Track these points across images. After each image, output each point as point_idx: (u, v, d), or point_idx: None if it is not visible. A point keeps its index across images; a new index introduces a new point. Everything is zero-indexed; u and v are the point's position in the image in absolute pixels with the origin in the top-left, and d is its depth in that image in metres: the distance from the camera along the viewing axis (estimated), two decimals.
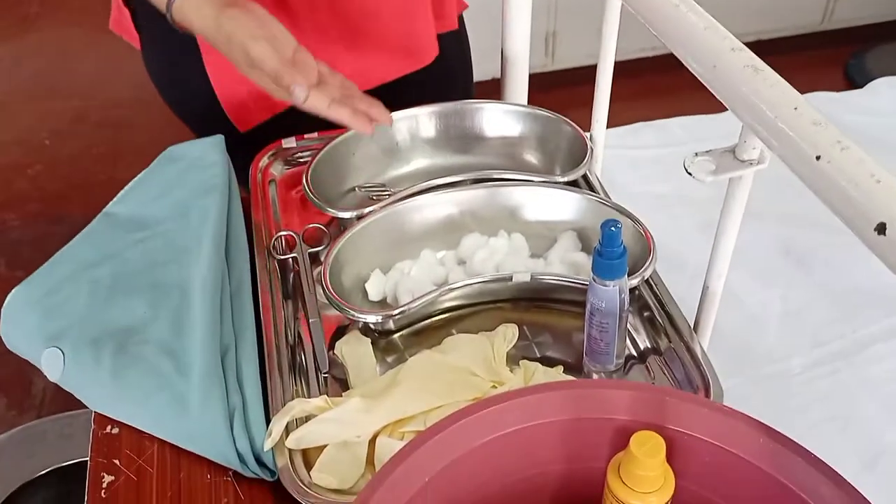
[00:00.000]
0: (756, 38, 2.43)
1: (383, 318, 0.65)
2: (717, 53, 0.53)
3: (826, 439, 0.72)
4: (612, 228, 0.57)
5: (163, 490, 0.57)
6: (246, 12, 0.65)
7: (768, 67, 0.51)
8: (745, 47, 0.53)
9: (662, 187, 1.00)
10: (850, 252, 0.87)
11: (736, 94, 0.51)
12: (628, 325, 0.69)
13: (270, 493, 0.57)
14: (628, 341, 0.68)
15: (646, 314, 0.70)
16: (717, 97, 0.53)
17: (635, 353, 0.68)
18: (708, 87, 0.54)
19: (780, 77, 0.51)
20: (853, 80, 2.29)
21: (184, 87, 0.86)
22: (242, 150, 0.83)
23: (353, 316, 0.64)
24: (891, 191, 0.42)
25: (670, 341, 0.67)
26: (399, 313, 0.64)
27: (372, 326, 0.68)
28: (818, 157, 0.45)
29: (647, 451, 0.46)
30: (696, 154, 0.55)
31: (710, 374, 0.62)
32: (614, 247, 0.57)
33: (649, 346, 0.68)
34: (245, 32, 0.64)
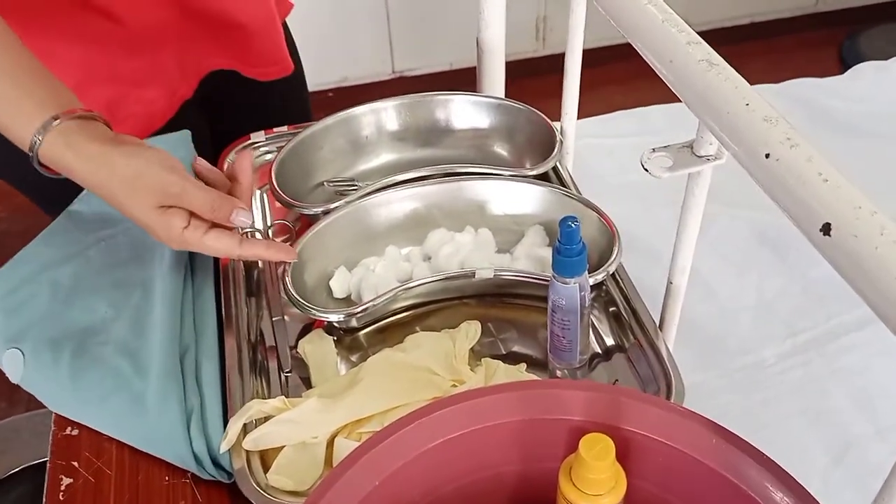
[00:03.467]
0: (750, 21, 2.41)
1: (345, 316, 0.64)
2: (674, 47, 0.52)
3: (796, 432, 0.71)
4: (571, 225, 0.56)
5: (120, 492, 0.57)
6: (145, 147, 0.58)
7: (724, 61, 0.50)
8: (701, 41, 0.52)
9: (640, 177, 0.98)
10: None
11: (691, 89, 0.50)
12: (594, 321, 0.69)
13: (228, 495, 0.57)
14: (594, 338, 0.68)
15: (611, 310, 0.70)
16: (674, 91, 0.53)
17: (600, 350, 0.67)
18: (664, 80, 0.53)
19: (734, 72, 0.50)
20: (847, 62, 2.27)
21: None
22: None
23: (314, 315, 0.63)
24: (837, 190, 0.41)
25: (635, 338, 0.66)
26: (361, 311, 0.64)
27: (335, 325, 0.67)
28: (767, 155, 0.44)
29: (596, 454, 0.46)
30: (654, 150, 0.54)
31: (673, 372, 0.61)
32: (573, 244, 0.56)
33: (615, 342, 0.68)
34: (158, 166, 0.56)
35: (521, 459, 0.52)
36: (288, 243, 0.73)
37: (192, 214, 0.58)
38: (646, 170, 0.54)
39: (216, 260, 0.71)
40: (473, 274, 0.65)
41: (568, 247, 0.56)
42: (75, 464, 0.59)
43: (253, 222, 0.62)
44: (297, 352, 0.66)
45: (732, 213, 0.93)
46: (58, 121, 0.56)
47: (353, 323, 0.67)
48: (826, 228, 0.40)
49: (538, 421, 0.51)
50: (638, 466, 0.50)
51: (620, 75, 2.05)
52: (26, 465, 0.93)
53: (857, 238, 0.39)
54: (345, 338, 0.68)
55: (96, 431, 0.60)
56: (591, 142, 1.03)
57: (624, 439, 0.49)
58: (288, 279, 0.65)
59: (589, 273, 0.60)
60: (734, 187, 0.94)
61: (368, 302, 0.64)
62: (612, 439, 0.46)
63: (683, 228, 0.60)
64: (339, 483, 0.47)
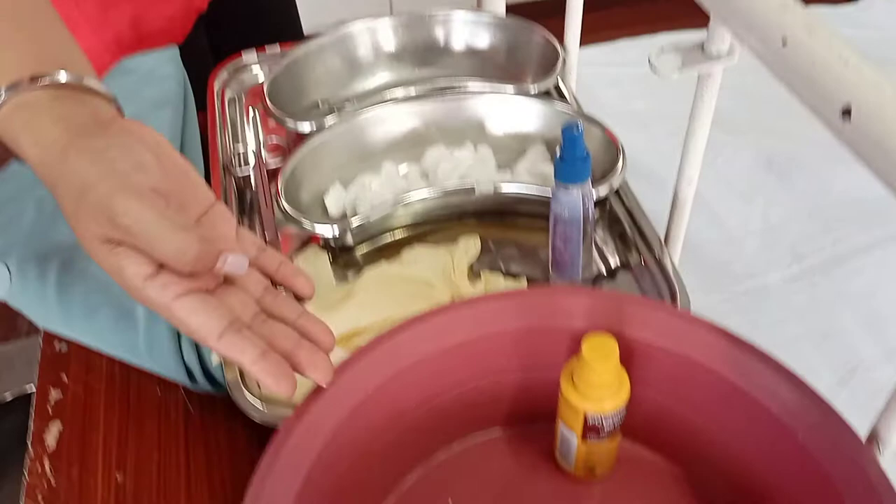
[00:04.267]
0: None
1: (340, 229, 0.62)
2: None
3: (802, 355, 0.70)
4: (574, 130, 0.54)
5: (111, 406, 0.56)
6: (116, 144, 0.40)
7: None
8: None
9: (643, 105, 0.96)
10: (832, 165, 0.84)
11: None
12: (598, 241, 0.67)
13: (221, 408, 0.56)
14: (599, 259, 0.66)
15: (616, 229, 0.68)
16: None
17: (605, 272, 0.65)
18: None
19: None
20: None
21: None
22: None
23: (307, 228, 0.61)
24: (859, 73, 0.39)
25: (640, 255, 0.64)
26: (356, 225, 0.62)
27: (330, 242, 0.65)
28: (784, 42, 0.42)
29: (600, 354, 0.44)
30: (662, 49, 0.52)
31: (678, 285, 0.60)
32: (576, 149, 0.54)
33: (619, 262, 0.66)
34: (115, 180, 0.38)
35: (521, 368, 0.51)
36: (281, 161, 0.71)
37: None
38: (653, 69, 0.51)
39: (206, 174, 0.69)
40: (473, 189, 0.63)
41: (571, 152, 0.54)
42: (64, 378, 0.58)
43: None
44: None
45: (738, 141, 0.91)
46: (32, 85, 0.41)
47: (349, 240, 0.65)
48: (846, 111, 0.38)
49: (539, 328, 0.50)
50: (642, 374, 0.48)
51: (621, 20, 2.01)
52: (20, 394, 0.92)
53: (879, 120, 0.37)
54: (340, 257, 0.66)
55: (86, 348, 0.59)
56: (595, 70, 1.00)
57: (628, 346, 0.48)
58: (282, 195, 0.63)
59: (593, 185, 0.58)
60: (741, 116, 0.92)
61: (364, 215, 0.62)
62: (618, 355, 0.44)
63: (691, 136, 0.58)
64: (333, 388, 0.46)
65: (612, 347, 0.44)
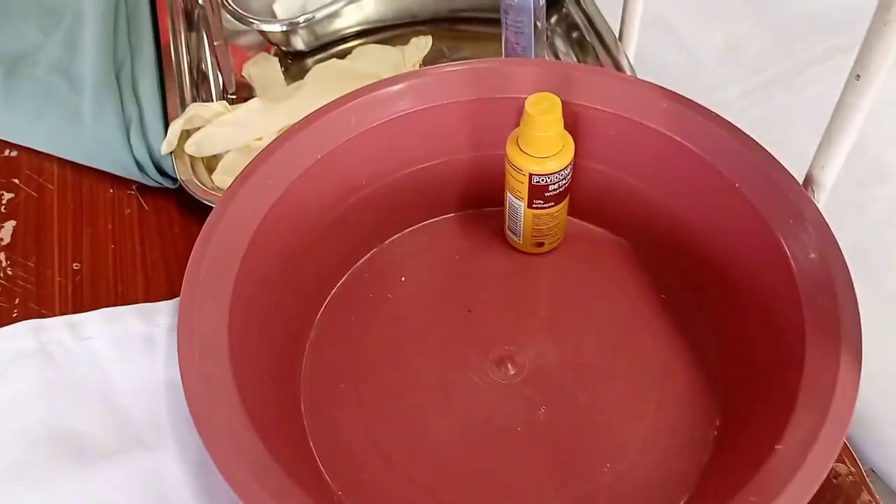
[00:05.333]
0: None
1: (288, 25, 0.61)
2: None
3: None
4: None
5: (64, 204, 0.56)
6: None
7: None
8: None
9: None
10: None
11: None
12: (557, 52, 0.66)
13: (174, 201, 0.56)
14: None
15: (575, 37, 0.67)
16: None
17: None
18: None
19: None
20: None
21: None
22: None
23: (255, 25, 0.60)
24: None
25: (598, 58, 0.64)
26: (304, 21, 0.60)
27: (280, 46, 0.64)
28: None
29: (542, 108, 0.44)
30: None
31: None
32: None
33: None
34: None
35: (470, 146, 0.51)
36: None
37: None
38: None
39: None
40: None
41: None
42: (16, 181, 0.57)
43: None
44: (242, 76, 0.63)
45: None
46: None
47: (299, 44, 0.64)
48: None
49: (487, 101, 0.49)
50: (589, 144, 0.49)
51: None
52: None
53: None
54: (293, 65, 0.65)
55: (36, 152, 0.58)
56: None
57: (573, 115, 0.48)
58: None
59: None
60: None
61: (313, 12, 0.60)
62: (562, 115, 0.44)
63: None
64: (279, 153, 0.46)
65: (554, 102, 0.44)
